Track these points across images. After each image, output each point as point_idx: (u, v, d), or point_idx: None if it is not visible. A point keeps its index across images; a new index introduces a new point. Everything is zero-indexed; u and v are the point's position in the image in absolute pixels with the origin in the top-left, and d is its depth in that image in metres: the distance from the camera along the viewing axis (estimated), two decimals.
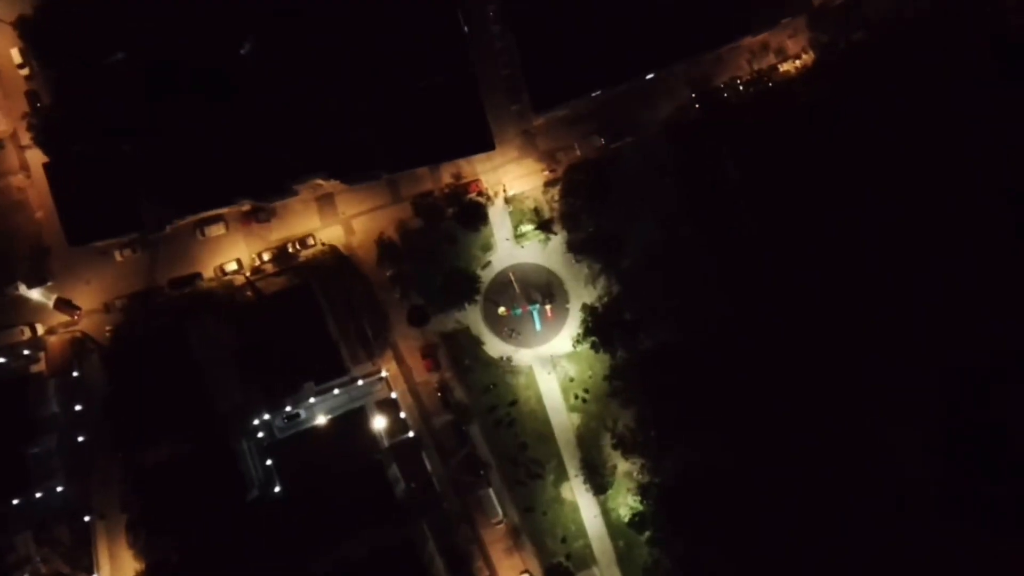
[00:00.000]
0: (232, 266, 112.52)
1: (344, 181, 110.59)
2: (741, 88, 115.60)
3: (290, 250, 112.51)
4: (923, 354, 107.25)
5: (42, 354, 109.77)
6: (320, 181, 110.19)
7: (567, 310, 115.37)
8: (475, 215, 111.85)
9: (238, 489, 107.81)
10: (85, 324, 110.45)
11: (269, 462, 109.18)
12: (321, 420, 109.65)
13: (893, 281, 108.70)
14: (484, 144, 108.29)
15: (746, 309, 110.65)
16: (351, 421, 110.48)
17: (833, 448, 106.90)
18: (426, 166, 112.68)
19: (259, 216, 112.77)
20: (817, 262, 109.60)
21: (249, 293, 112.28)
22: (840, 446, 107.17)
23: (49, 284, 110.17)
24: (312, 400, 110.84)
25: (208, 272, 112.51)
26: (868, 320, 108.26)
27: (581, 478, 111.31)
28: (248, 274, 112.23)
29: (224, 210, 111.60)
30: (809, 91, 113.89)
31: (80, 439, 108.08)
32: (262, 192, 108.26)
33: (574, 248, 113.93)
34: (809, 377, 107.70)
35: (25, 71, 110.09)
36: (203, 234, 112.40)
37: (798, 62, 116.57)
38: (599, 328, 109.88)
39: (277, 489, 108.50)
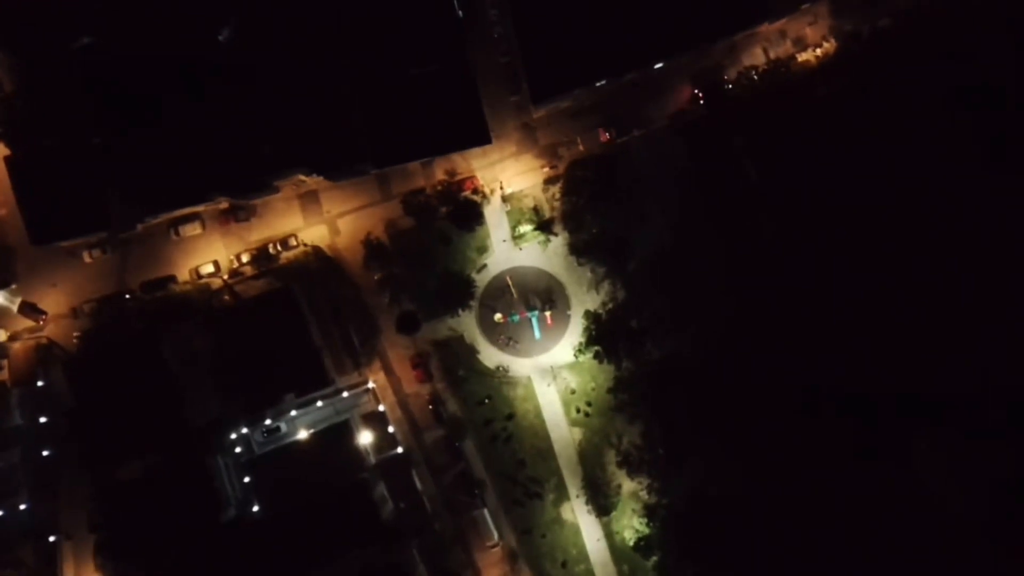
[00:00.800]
0: (208, 268, 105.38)
1: (329, 177, 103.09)
2: (757, 79, 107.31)
3: (271, 251, 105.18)
4: (959, 371, 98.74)
5: (5, 362, 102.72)
6: (303, 177, 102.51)
7: (568, 317, 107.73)
8: (470, 214, 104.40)
9: (214, 508, 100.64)
10: (51, 330, 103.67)
11: (247, 479, 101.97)
12: (303, 434, 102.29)
13: (927, 292, 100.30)
14: (480, 137, 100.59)
15: (762, 320, 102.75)
16: (335, 436, 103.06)
17: (856, 472, 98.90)
18: (417, 161, 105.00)
19: (238, 215, 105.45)
20: (842, 270, 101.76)
21: (227, 297, 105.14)
22: (863, 470, 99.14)
23: (12, 287, 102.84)
24: (293, 413, 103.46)
25: (183, 275, 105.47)
26: (899, 335, 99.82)
27: (583, 498, 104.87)
28: (226, 277, 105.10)
29: (200, 208, 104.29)
30: (830, 83, 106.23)
31: (45, 453, 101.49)
32: (240, 189, 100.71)
33: (576, 250, 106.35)
34: (832, 395, 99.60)
35: None
36: (178, 234, 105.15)
37: (819, 51, 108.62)
38: (603, 337, 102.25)
39: (255, 508, 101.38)
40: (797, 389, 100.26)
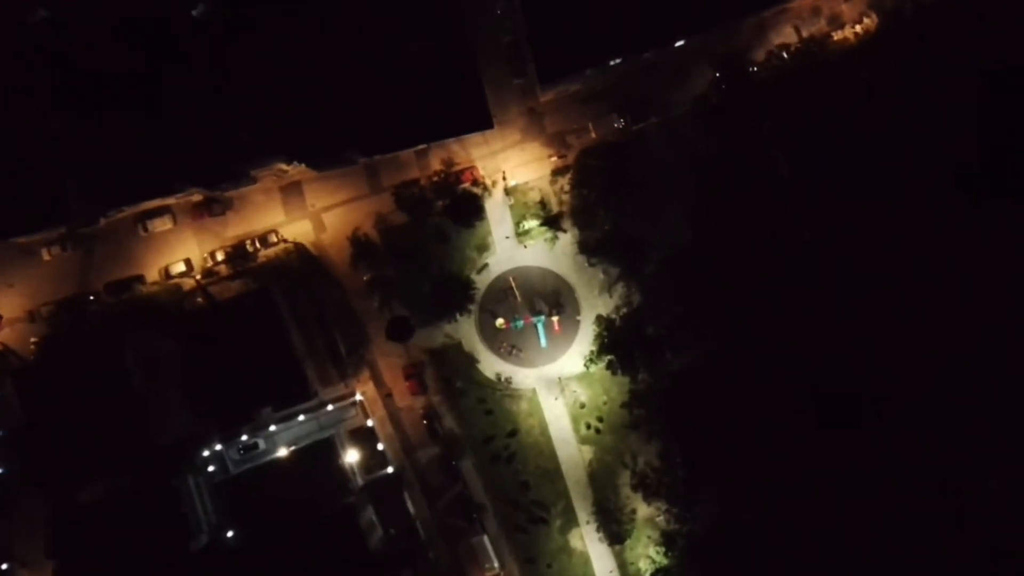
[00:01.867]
0: (180, 268, 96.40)
1: (312, 166, 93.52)
2: (787, 60, 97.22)
3: (249, 249, 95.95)
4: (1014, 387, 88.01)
5: None
6: (283, 166, 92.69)
7: (578, 323, 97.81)
8: (469, 209, 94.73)
9: (183, 535, 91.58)
10: (6, 335, 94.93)
11: (220, 502, 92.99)
12: (283, 452, 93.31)
13: (979, 297, 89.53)
14: (481, 121, 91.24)
15: (795, 329, 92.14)
16: (319, 454, 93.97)
17: (898, 498, 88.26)
18: (411, 149, 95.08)
19: (212, 209, 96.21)
20: (888, 275, 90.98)
21: (199, 300, 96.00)
22: (907, 495, 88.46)
23: None
24: (273, 428, 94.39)
25: (151, 274, 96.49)
26: (949, 347, 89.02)
27: (593, 525, 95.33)
28: (198, 277, 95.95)
29: (170, 201, 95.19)
30: (870, 65, 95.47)
31: None
32: (213, 179, 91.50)
33: (587, 249, 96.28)
34: (871, 412, 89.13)
35: None
36: (146, 229, 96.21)
37: (857, 28, 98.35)
38: (617, 345, 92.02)
39: (229, 535, 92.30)
40: (837, 408, 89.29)
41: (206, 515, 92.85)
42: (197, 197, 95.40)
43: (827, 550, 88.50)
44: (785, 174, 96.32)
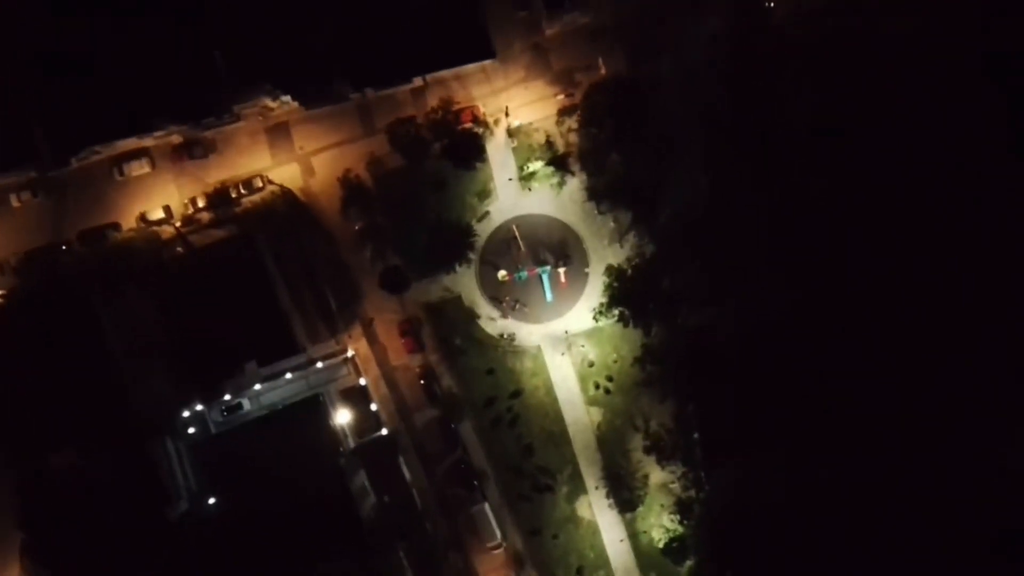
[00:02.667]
0: (158, 215, 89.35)
1: (300, 102, 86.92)
2: None
3: (232, 195, 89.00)
4: None
5: None
6: (268, 103, 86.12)
7: (586, 275, 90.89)
8: (469, 151, 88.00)
9: (161, 502, 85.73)
10: None
11: (201, 467, 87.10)
12: (269, 412, 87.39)
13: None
14: (481, 51, 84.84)
15: (819, 291, 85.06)
16: (307, 415, 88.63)
17: (932, 472, 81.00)
18: (406, 83, 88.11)
19: (193, 151, 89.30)
20: (921, 238, 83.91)
21: (179, 249, 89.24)
22: (942, 469, 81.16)
23: None
24: (258, 387, 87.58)
25: (128, 222, 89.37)
26: (990, 312, 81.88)
27: (603, 492, 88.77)
28: (178, 224, 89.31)
29: (148, 142, 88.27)
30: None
31: None
32: (192, 114, 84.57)
33: (596, 195, 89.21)
34: (904, 378, 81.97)
35: None
36: (122, 173, 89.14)
37: None
38: (628, 296, 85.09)
39: (211, 501, 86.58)
40: (863, 369, 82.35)
41: (186, 481, 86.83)
42: (177, 139, 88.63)
43: (851, 521, 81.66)
44: (806, 122, 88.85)
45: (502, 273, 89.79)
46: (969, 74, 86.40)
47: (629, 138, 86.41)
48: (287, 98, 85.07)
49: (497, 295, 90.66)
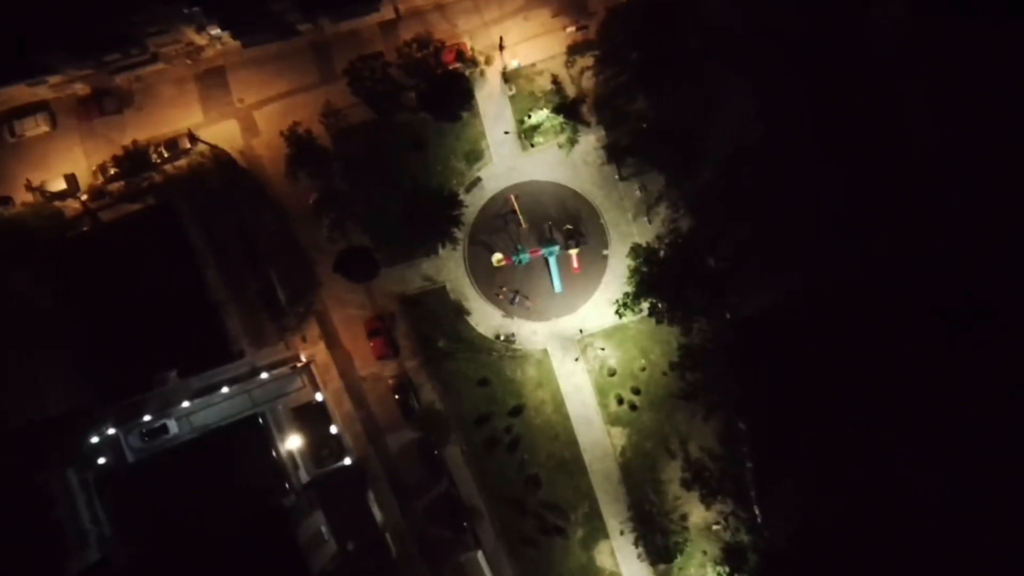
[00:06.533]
0: (59, 185, 71.68)
1: (236, 36, 67.88)
2: None
3: (153, 159, 70.60)
4: None
5: None
6: (194, 37, 66.95)
7: (605, 258, 71.28)
8: (454, 100, 68.83)
9: (59, 551, 66.06)
10: None
11: (114, 507, 67.89)
12: (201, 435, 68.11)
13: None
14: None
15: (912, 268, 65.38)
16: (250, 439, 68.49)
17: None
18: (374, 11, 69.50)
19: (104, 105, 71.92)
20: None
21: (85, 228, 70.12)
22: None
23: None
24: (187, 404, 67.89)
25: (21, 195, 71.87)
26: None
27: (629, 536, 70.22)
28: (85, 198, 71.34)
29: (44, 92, 70.02)
30: None
31: None
32: (91, 50, 64.81)
33: (617, 154, 70.10)
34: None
35: None
36: (13, 134, 72.86)
37: None
38: (661, 284, 65.08)
39: (125, 549, 67.26)
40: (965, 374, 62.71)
41: (94, 524, 67.71)
42: (82, 89, 70.51)
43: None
44: (890, 46, 68.74)
45: (498, 256, 70.29)
46: None
47: (660, 79, 66.55)
48: (218, 31, 65.72)
49: (492, 285, 71.50)
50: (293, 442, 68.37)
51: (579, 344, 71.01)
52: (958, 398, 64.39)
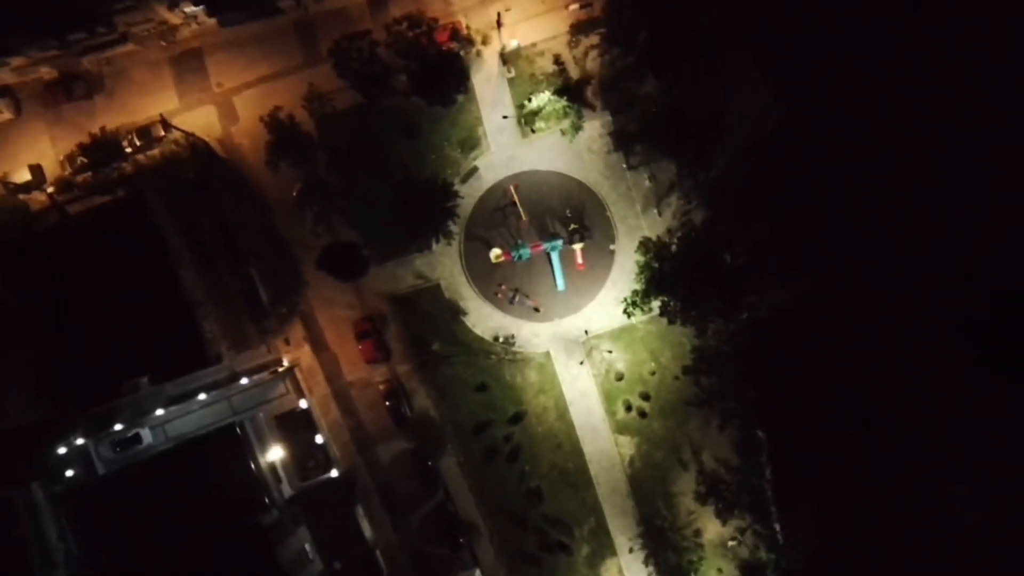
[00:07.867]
0: (24, 176, 66.43)
1: (214, 14, 63.18)
2: None
3: (126, 147, 65.08)
4: None
5: None
6: (168, 16, 61.80)
7: (612, 253, 66.10)
8: (448, 82, 63.13)
9: (20, 570, 60.99)
10: None
11: (82, 523, 62.64)
12: (176, 446, 62.64)
13: None
14: None
15: (949, 258, 59.93)
16: (228, 450, 62.81)
17: None
18: None
19: (72, 90, 66.83)
20: None
21: (52, 221, 64.56)
22: None
23: None
24: (161, 413, 62.71)
25: None
26: None
27: (639, 554, 65.19)
28: (51, 190, 65.88)
29: (7, 75, 64.78)
30: None
31: None
32: (55, 28, 59.76)
33: (625, 141, 65.00)
34: None
35: None
36: None
37: None
38: (673, 281, 59.81)
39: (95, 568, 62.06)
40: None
41: (62, 541, 62.64)
42: (49, 73, 65.34)
43: None
44: (930, 24, 63.30)
45: (496, 252, 65.16)
46: None
47: (672, 58, 61.28)
48: (193, 8, 60.65)
49: (490, 283, 66.25)
50: (275, 453, 63.13)
51: (584, 346, 65.74)
52: (999, 407, 59.46)
